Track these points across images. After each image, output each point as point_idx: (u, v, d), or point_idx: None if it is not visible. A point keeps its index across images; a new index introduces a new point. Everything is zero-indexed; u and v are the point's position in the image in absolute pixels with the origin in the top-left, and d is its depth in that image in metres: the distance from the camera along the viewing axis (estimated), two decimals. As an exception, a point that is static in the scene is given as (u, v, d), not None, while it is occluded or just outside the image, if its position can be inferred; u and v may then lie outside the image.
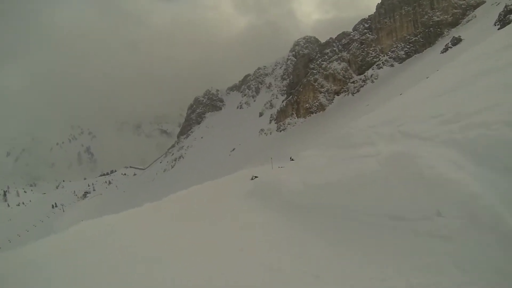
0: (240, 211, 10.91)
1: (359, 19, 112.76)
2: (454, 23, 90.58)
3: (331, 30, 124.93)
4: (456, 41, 73.41)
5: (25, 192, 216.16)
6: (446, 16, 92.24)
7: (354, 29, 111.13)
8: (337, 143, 12.37)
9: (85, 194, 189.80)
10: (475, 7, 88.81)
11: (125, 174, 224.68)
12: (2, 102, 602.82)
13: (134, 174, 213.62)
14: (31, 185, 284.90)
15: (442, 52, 74.98)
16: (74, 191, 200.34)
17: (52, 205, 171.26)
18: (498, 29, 59.54)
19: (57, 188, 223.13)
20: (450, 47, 73.41)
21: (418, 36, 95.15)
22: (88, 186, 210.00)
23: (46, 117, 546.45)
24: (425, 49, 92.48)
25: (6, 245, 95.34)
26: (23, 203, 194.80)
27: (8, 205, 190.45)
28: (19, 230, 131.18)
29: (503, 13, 58.55)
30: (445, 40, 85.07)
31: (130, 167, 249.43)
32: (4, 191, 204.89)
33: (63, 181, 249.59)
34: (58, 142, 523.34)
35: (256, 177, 21.08)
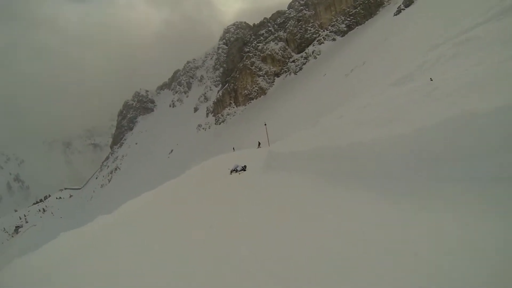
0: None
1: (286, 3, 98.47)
2: (394, -7, 79.86)
3: (258, 16, 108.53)
4: (409, 2, 63.80)
5: None
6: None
7: (290, 7, 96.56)
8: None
9: (17, 228, 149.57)
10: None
11: (60, 197, 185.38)
12: None
13: (70, 196, 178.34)
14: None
15: (395, 15, 64.05)
16: (4, 228, 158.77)
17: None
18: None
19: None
20: (403, 9, 64.07)
21: (358, 8, 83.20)
22: (20, 218, 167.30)
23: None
24: (367, 20, 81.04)
25: None
26: None
27: None
28: None
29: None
30: (387, 9, 75.67)
31: (65, 188, 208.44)
32: None
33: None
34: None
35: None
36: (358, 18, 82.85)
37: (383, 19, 68.70)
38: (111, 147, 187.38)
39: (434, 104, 7.18)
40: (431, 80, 9.99)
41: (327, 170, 7.68)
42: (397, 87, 12.39)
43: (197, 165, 29.17)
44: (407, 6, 63.04)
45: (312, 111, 39.31)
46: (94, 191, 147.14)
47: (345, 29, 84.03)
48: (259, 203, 8.09)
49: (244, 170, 15.60)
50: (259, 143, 37.30)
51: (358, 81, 36.11)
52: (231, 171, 16.07)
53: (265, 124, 34.14)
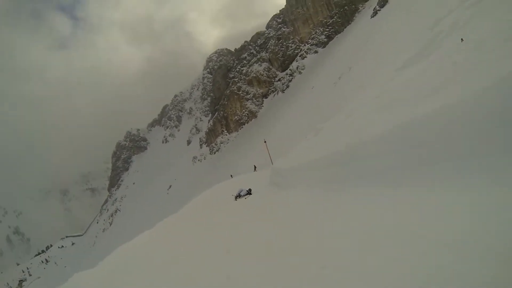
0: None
1: (267, 20, 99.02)
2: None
3: (238, 41, 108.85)
4: (383, 2, 63.62)
5: None
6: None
7: (268, 26, 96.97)
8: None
9: (20, 283, 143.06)
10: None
11: (62, 246, 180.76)
12: None
13: (73, 244, 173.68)
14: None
15: (372, 17, 63.95)
16: (7, 283, 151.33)
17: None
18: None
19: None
20: (379, 10, 63.98)
21: (335, 17, 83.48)
22: (23, 272, 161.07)
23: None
24: (345, 27, 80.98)
25: None
26: None
27: None
28: None
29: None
30: (363, 13, 76.34)
31: (67, 236, 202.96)
32: None
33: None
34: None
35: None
36: (336, 27, 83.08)
37: (361, 23, 68.65)
38: (109, 190, 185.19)
39: (490, 58, 5.15)
40: (462, 40, 8.17)
41: (335, 177, 7.33)
42: (412, 66, 10.56)
43: (197, 197, 27.10)
44: (382, 7, 63.04)
45: (306, 124, 37.68)
46: (96, 236, 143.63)
47: (325, 40, 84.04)
48: (274, 226, 7.11)
49: (250, 194, 14.69)
50: (255, 167, 35.40)
51: (353, 81, 34.64)
52: (236, 197, 15.11)
53: (265, 142, 32.23)
